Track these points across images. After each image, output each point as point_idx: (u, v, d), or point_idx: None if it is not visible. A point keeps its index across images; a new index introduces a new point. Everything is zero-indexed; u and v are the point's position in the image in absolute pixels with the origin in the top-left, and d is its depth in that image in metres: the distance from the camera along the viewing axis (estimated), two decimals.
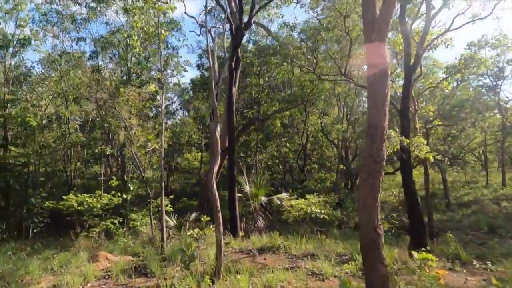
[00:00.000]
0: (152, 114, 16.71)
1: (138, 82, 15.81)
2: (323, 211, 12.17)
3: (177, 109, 23.06)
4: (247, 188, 12.88)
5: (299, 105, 19.41)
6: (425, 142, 9.60)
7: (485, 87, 25.91)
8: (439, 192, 27.24)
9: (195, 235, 10.27)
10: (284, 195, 13.24)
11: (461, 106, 23.58)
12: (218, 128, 6.93)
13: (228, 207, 12.20)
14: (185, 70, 22.05)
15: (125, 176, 15.69)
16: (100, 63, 19.11)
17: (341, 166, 24.27)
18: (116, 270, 7.15)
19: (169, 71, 19.78)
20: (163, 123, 9.33)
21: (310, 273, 7.23)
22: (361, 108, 24.70)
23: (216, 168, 6.85)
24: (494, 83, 25.57)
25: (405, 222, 13.50)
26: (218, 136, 6.87)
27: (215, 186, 6.74)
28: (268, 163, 21.71)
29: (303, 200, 13.01)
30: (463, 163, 30.40)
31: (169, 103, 23.80)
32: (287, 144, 21.79)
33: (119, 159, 17.80)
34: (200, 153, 26.69)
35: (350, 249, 9.53)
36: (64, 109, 19.47)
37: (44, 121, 18.69)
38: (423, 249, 7.91)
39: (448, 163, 31.08)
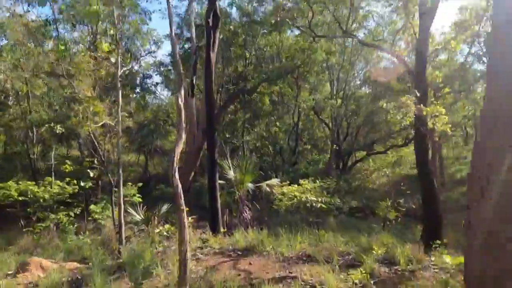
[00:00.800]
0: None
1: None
2: (319, 199, 10.46)
3: (154, 85, 20.66)
4: (231, 173, 10.99)
5: (289, 76, 17.33)
6: (443, 111, 7.83)
7: (475, 55, 24.74)
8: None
9: (165, 233, 8.41)
10: (274, 181, 11.41)
11: (453, 75, 22.04)
12: (182, 98, 4.91)
13: (208, 197, 10.35)
14: (156, 42, 19.43)
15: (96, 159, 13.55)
16: (62, 32, 16.50)
17: (334, 146, 22.65)
18: (45, 285, 5.26)
19: (138, 42, 17.36)
20: (119, 92, 7.24)
21: (308, 286, 5.52)
22: (353, 83, 22.66)
23: (178, 151, 4.89)
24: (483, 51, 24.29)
25: (411, 207, 12.03)
26: (182, 109, 4.85)
27: (177, 175, 4.83)
28: (257, 145, 19.86)
29: (296, 186, 11.25)
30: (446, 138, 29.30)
31: (149, 80, 21.31)
32: (277, 124, 19.90)
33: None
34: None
35: (353, 244, 7.91)
36: (23, 83, 16.96)
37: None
38: (438, 241, 7.06)
39: (437, 138, 29.91)
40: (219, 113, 15.29)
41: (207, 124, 10.07)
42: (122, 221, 7.09)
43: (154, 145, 21.10)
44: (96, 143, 9.00)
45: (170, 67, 20.45)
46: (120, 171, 7.34)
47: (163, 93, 26.81)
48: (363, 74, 22.95)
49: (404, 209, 10.37)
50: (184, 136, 4.93)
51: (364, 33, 16.18)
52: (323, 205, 10.22)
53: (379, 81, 20.59)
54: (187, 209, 10.13)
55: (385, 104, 7.69)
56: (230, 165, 11.07)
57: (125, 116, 8.80)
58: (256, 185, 11.17)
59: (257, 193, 11.55)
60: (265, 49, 18.82)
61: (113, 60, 6.91)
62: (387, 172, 26.46)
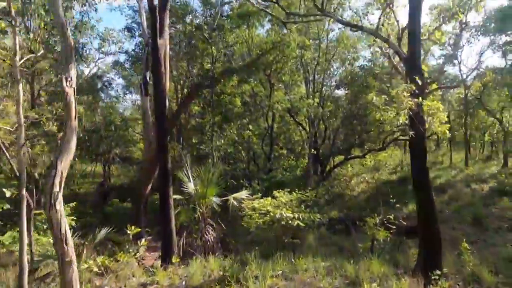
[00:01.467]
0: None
1: None
2: (297, 215, 8.76)
3: (106, 84, 18.28)
4: (190, 186, 9.08)
5: (262, 74, 15.67)
6: (442, 107, 6.36)
7: (446, 57, 24.77)
8: (409, 175, 25.29)
9: (96, 268, 6.37)
10: (243, 193, 9.59)
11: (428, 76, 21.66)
12: (69, 82, 3.02)
13: (160, 217, 8.37)
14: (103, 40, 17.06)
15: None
16: None
17: (312, 151, 21.18)
18: None
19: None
20: (20, 87, 5.20)
21: None
22: (330, 83, 21.22)
23: (62, 164, 2.99)
24: (453, 52, 24.30)
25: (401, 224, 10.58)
26: (71, 99, 2.96)
27: (59, 205, 2.91)
28: (229, 151, 17.99)
29: (269, 200, 9.50)
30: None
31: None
32: (250, 127, 18.14)
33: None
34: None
35: (337, 275, 6.29)
36: None
37: None
38: (438, 272, 6.13)
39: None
40: (178, 112, 13.30)
41: (157, 125, 8.13)
42: (25, 261, 5.01)
43: (113, 153, 18.69)
44: (6, 153, 6.81)
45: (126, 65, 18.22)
46: (23, 191, 5.24)
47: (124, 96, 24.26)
48: (338, 74, 21.71)
49: (394, 227, 8.87)
50: (73, 141, 3.05)
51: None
52: (301, 223, 8.52)
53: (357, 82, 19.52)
54: (139, 229, 8.15)
55: (374, 98, 6.12)
56: (190, 176, 9.18)
57: (45, 117, 6.71)
58: (223, 199, 9.33)
59: (224, 208, 9.67)
60: (234, 46, 17.10)
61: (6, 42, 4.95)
62: (366, 178, 25.37)
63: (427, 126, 6.35)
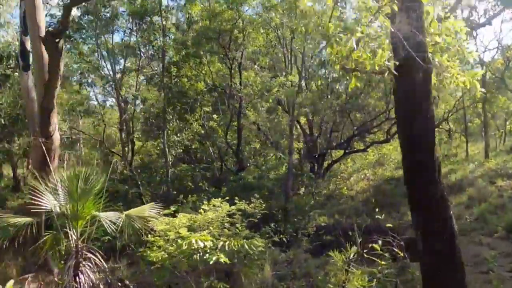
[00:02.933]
0: None
1: None
2: (222, 243, 5.32)
3: None
4: (50, 200, 5.69)
5: (219, 48, 12.20)
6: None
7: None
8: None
9: None
10: (145, 208, 6.15)
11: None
12: None
13: None
14: None
15: None
16: None
17: (300, 144, 17.65)
18: None
19: None
20: None
21: None
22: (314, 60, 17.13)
23: None
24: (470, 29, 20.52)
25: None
26: None
27: None
28: (192, 146, 14.64)
29: (189, 216, 6.10)
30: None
31: None
32: (215, 116, 14.63)
33: None
34: None
35: None
36: None
37: None
38: None
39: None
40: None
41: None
42: None
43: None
44: None
45: None
46: None
47: None
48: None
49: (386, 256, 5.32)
50: None
51: None
52: (225, 259, 5.05)
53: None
54: None
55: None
56: (54, 184, 5.80)
57: None
58: (110, 219, 5.92)
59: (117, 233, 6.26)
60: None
61: None
62: (367, 174, 21.77)
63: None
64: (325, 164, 20.78)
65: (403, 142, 3.99)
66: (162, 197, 12.26)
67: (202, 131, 14.53)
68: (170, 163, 13.42)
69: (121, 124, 13.52)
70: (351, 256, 4.93)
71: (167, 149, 12.92)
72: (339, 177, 21.55)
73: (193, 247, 5.24)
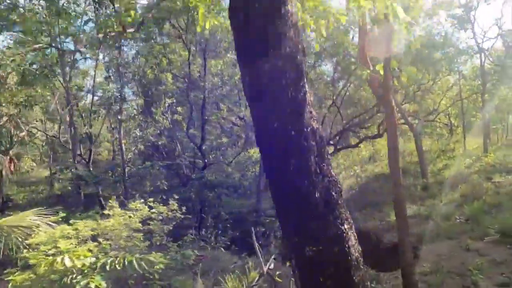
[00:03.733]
0: None
1: None
2: (104, 259, 4.07)
3: None
4: None
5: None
6: None
7: (457, 19, 19.99)
8: (411, 168, 20.08)
9: None
10: (28, 215, 4.87)
11: (432, 45, 16.87)
12: None
13: None
14: None
15: None
16: None
17: None
18: None
19: None
20: None
21: None
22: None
23: None
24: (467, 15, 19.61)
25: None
26: None
27: None
28: (159, 142, 13.41)
29: (80, 224, 4.83)
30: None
31: None
32: (179, 109, 13.26)
33: None
34: None
35: None
36: None
37: None
38: None
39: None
40: None
41: None
42: None
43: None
44: None
45: None
46: None
47: None
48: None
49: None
50: None
51: None
52: (97, 282, 3.79)
53: None
54: None
55: None
56: None
57: None
58: None
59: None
60: None
61: None
62: (357, 171, 20.38)
63: None
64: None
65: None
66: (117, 198, 11.06)
67: (169, 126, 13.30)
68: (130, 160, 12.22)
69: (70, 117, 12.22)
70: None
71: (123, 145, 11.70)
72: None
73: (62, 267, 3.97)
